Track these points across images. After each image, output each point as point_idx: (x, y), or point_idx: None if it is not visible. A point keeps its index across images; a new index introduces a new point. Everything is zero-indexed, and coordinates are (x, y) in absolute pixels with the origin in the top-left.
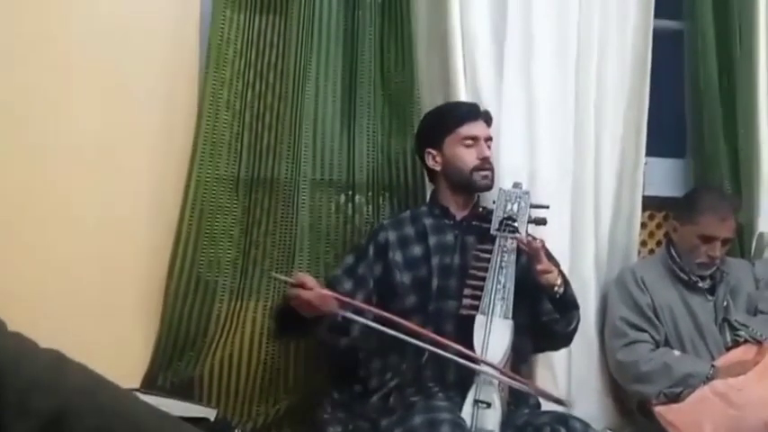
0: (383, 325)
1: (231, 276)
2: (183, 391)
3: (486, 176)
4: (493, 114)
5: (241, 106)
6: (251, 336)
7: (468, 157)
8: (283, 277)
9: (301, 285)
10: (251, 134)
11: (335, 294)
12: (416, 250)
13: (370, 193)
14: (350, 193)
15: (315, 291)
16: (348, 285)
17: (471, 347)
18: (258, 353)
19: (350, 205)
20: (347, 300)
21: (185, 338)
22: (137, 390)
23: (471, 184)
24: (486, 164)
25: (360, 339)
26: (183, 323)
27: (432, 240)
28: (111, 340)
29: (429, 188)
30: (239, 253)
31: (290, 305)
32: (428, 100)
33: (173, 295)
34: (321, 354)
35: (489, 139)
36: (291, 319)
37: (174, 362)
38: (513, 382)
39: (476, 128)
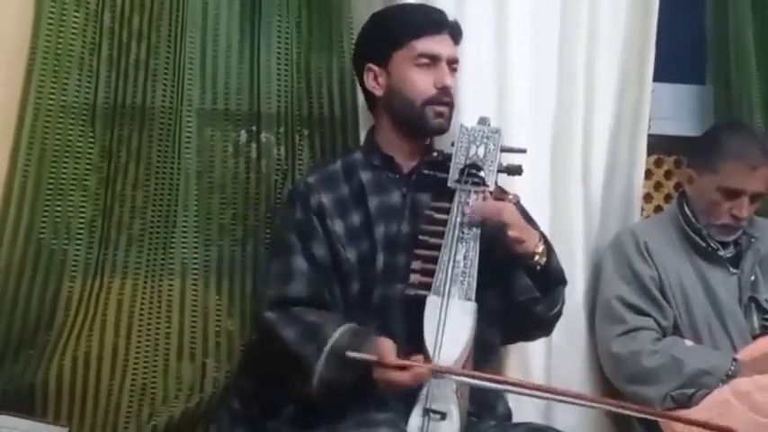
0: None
1: (86, 244)
2: (20, 404)
3: (441, 113)
4: None
5: (98, 3)
6: (115, 326)
7: (423, 84)
8: (360, 356)
9: (382, 363)
10: (112, 44)
11: (432, 366)
12: (355, 217)
13: (281, 130)
14: (253, 128)
15: (408, 370)
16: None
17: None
18: (125, 349)
19: (254, 145)
20: (446, 369)
21: (21, 331)
22: None
23: (421, 123)
24: (444, 95)
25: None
26: (19, 311)
27: (372, 202)
28: None
29: (365, 124)
30: (97, 212)
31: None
32: (364, 1)
33: (2, 272)
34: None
35: (455, 61)
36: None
37: (5, 364)
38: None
39: (439, 43)
